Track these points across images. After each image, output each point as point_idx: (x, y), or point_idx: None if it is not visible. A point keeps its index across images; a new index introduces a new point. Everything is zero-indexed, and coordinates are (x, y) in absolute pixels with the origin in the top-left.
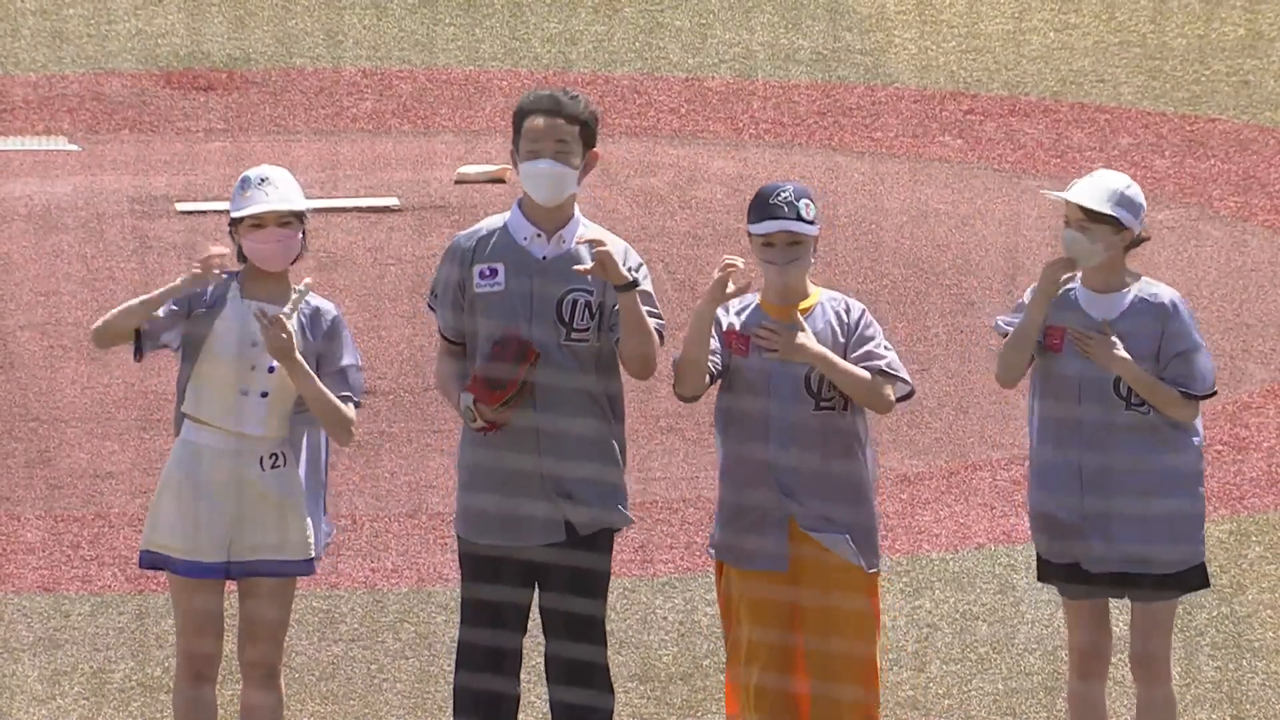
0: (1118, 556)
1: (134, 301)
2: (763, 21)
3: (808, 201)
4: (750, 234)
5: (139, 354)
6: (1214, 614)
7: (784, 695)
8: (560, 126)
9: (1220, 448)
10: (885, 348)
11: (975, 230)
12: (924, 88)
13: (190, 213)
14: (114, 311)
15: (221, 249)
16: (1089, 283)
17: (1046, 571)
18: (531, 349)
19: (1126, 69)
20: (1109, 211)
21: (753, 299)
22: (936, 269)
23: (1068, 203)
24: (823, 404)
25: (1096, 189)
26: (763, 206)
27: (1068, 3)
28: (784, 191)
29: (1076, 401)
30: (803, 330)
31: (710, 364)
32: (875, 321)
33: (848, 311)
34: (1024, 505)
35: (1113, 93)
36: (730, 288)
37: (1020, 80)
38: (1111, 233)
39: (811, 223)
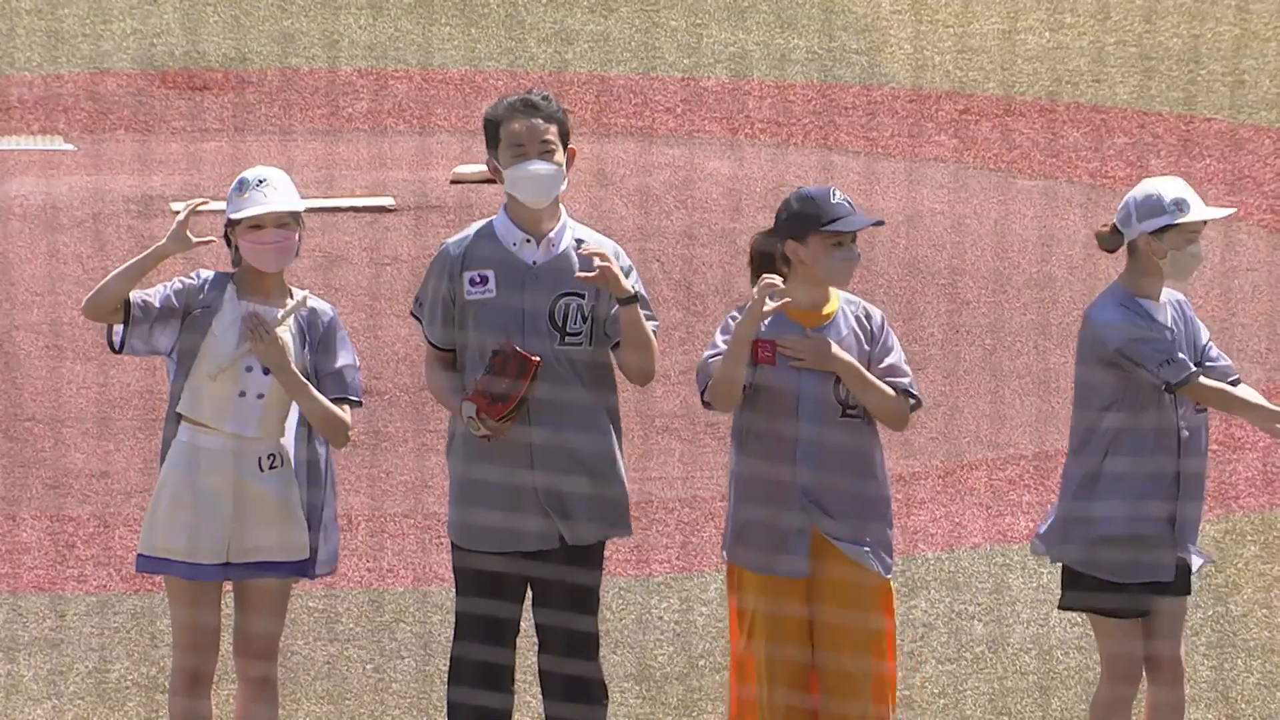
0: (1193, 557)
1: (122, 268)
2: (758, 21)
3: None
4: (808, 239)
5: (123, 341)
6: (1208, 613)
7: (800, 712)
8: (541, 126)
9: (1214, 448)
10: (904, 361)
11: (970, 230)
12: (919, 88)
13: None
14: (103, 282)
15: (197, 200)
16: (1147, 296)
17: (1116, 593)
18: (531, 361)
19: (1121, 69)
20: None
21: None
22: (931, 269)
23: (1194, 221)
24: (848, 412)
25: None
26: (825, 208)
27: (1062, 3)
28: (835, 191)
29: (1173, 408)
30: (829, 342)
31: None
32: (892, 329)
33: (868, 318)
34: (1018, 505)
35: (1108, 93)
36: (769, 305)
37: (1015, 80)
38: None
39: None
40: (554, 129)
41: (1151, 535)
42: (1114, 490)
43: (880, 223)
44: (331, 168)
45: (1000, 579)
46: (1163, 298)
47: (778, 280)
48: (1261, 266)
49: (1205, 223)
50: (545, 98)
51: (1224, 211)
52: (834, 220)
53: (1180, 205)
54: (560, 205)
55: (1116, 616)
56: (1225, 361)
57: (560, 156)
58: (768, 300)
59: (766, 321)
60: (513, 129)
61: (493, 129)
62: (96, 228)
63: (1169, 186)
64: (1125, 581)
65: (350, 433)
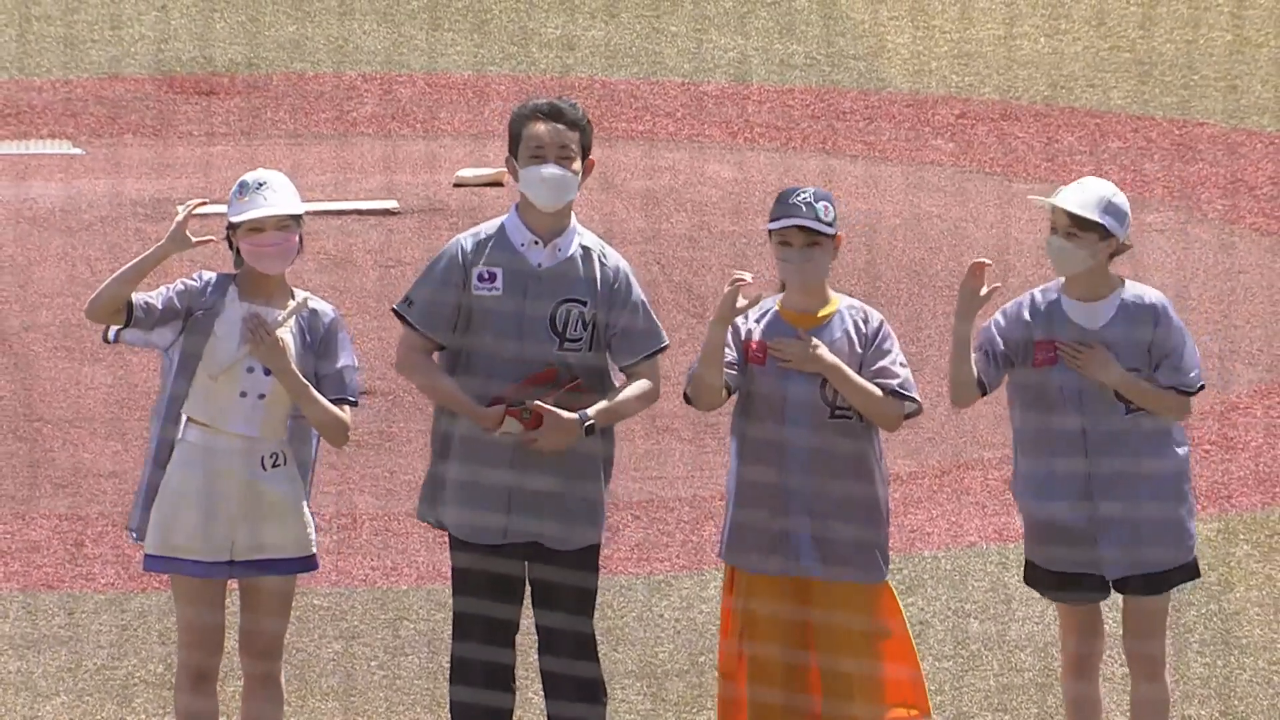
0: (1133, 560)
1: (123, 269)
2: (758, 27)
3: (826, 204)
4: (770, 233)
5: (121, 329)
6: (1202, 611)
7: (792, 713)
8: (562, 132)
9: (1208, 447)
10: (900, 364)
11: (967, 233)
12: (917, 92)
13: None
14: (105, 283)
15: (195, 201)
16: (1073, 292)
17: (1038, 579)
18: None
19: (1116, 74)
20: (1097, 219)
21: (772, 306)
22: (929, 271)
23: (1054, 210)
24: (838, 412)
25: (1084, 196)
26: (781, 206)
27: (1058, 9)
28: (804, 193)
29: (1078, 411)
30: (816, 343)
31: (728, 377)
32: (893, 334)
33: (866, 321)
34: (1015, 505)
35: (1103, 98)
36: (741, 302)
37: (1012, 85)
38: (1098, 240)
39: (829, 224)
40: (575, 137)
41: (1061, 533)
42: (1024, 489)
43: (818, 230)
44: (339, 171)
45: (997, 577)
46: (1117, 300)
47: (745, 275)
48: (1255, 269)
49: (1069, 218)
50: (572, 105)
51: (1059, 198)
52: (776, 219)
53: (1053, 193)
54: (572, 212)
55: (1060, 603)
56: (1181, 379)
57: (577, 165)
58: (740, 298)
59: (758, 320)
60: (535, 131)
61: (516, 130)
62: (107, 231)
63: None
64: (1050, 569)
65: (350, 433)
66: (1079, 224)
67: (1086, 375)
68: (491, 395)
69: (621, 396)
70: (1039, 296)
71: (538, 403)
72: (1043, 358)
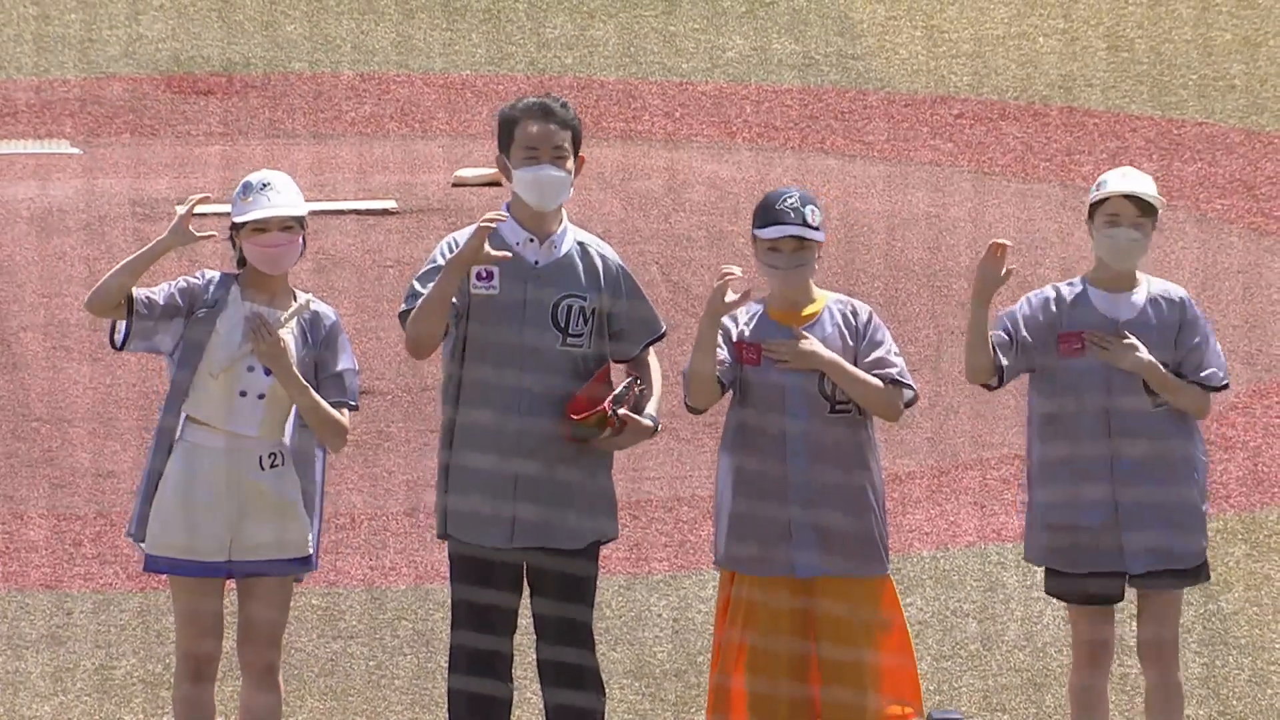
0: (1151, 551)
1: (124, 262)
2: (754, 26)
3: (813, 208)
4: (756, 239)
5: (125, 338)
6: (1200, 610)
7: (788, 703)
8: (555, 132)
9: (1206, 447)
10: (894, 354)
11: (964, 233)
12: (913, 92)
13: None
14: (106, 275)
15: (198, 196)
16: (1102, 283)
17: (1059, 587)
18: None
19: (1115, 73)
20: (1160, 201)
21: (759, 307)
22: (925, 271)
23: (1116, 200)
24: (838, 406)
25: (1143, 182)
26: (769, 212)
27: (1056, 8)
28: (790, 197)
29: (1105, 395)
30: (808, 339)
31: (719, 371)
32: (883, 324)
33: (855, 314)
34: (1011, 505)
35: (1101, 97)
36: (730, 297)
37: (1009, 85)
38: (1153, 226)
39: (817, 228)
40: (568, 135)
41: (1086, 524)
42: (1047, 477)
43: (810, 238)
44: (332, 171)
45: (994, 577)
46: (1144, 292)
47: (735, 270)
48: (1252, 269)
49: (1137, 210)
50: (563, 104)
51: (1128, 186)
52: (764, 225)
53: (1099, 185)
54: (562, 209)
55: (1068, 601)
56: (1207, 372)
57: (570, 164)
58: (729, 294)
59: (752, 322)
60: (528, 132)
61: (507, 129)
62: (101, 230)
63: (1110, 172)
64: (1069, 571)
65: (347, 437)
66: (1144, 210)
67: (1115, 364)
68: (504, 386)
69: (656, 393)
70: (1064, 290)
71: (624, 412)
72: (1068, 349)
